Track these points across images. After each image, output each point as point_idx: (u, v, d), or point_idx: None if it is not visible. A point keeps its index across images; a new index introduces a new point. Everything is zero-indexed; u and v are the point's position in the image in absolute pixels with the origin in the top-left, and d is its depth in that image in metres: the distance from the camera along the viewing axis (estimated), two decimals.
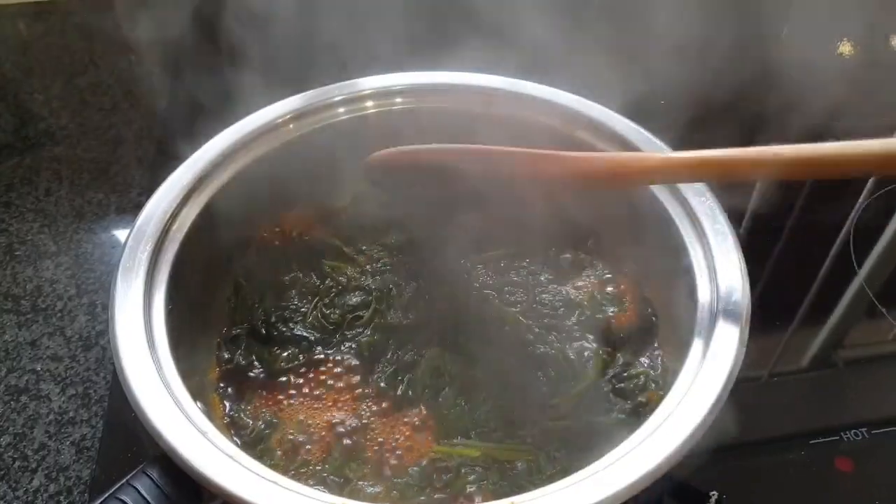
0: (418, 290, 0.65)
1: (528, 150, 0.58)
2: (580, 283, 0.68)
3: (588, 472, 0.43)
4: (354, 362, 0.61)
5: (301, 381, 0.60)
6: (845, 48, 1.14)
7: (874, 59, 1.14)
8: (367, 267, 0.68)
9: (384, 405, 0.58)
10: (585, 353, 0.61)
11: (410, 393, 0.58)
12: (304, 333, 0.62)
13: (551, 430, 0.56)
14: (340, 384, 0.60)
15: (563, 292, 0.66)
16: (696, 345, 0.50)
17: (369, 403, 0.58)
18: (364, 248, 0.69)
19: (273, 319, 0.63)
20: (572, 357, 0.60)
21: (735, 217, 0.85)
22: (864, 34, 1.15)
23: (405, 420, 0.57)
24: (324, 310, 0.64)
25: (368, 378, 0.60)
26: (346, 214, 0.72)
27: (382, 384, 0.59)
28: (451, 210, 0.65)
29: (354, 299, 0.65)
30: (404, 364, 0.60)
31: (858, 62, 1.13)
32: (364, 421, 0.57)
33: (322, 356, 0.61)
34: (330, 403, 0.58)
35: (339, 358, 0.61)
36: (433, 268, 0.67)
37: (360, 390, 0.59)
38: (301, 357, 0.61)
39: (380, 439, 0.56)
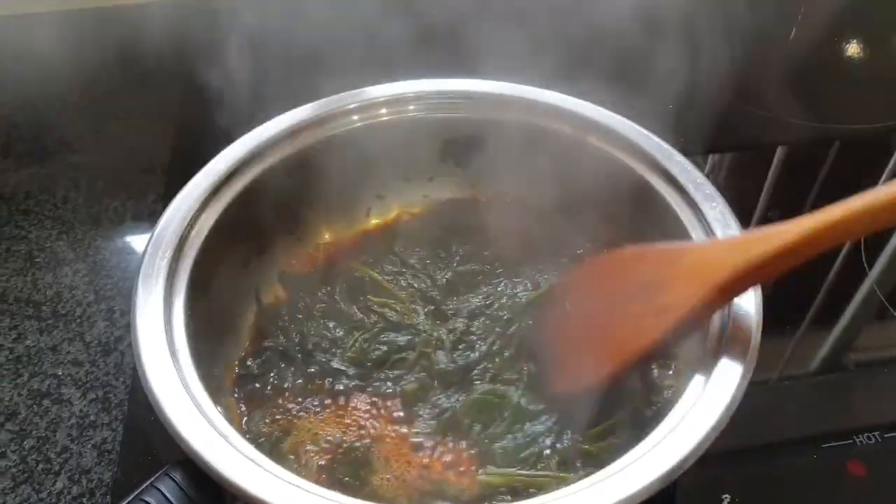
0: (464, 330, 0.64)
1: (703, 298, 0.47)
2: None
3: (598, 478, 0.44)
4: (391, 402, 0.60)
5: (329, 405, 0.60)
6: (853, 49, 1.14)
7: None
8: (411, 305, 0.67)
9: (416, 436, 0.58)
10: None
11: (450, 429, 0.57)
12: (342, 367, 0.62)
13: (589, 452, 0.55)
14: (370, 416, 0.60)
15: None
16: (708, 351, 0.51)
17: (400, 433, 0.58)
18: (405, 283, 0.69)
19: (310, 347, 0.63)
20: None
21: (745, 220, 0.86)
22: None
23: (439, 451, 0.57)
24: (363, 345, 0.63)
25: (406, 417, 0.59)
26: (378, 239, 0.73)
27: (424, 426, 0.58)
28: None
29: (401, 339, 0.64)
30: (446, 408, 0.59)
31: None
32: (392, 446, 0.57)
33: (355, 392, 0.61)
34: (352, 425, 0.59)
35: (374, 395, 0.61)
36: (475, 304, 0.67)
37: (396, 426, 0.59)
38: (333, 388, 0.61)
39: (406, 461, 0.56)
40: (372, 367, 0.62)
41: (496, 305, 0.67)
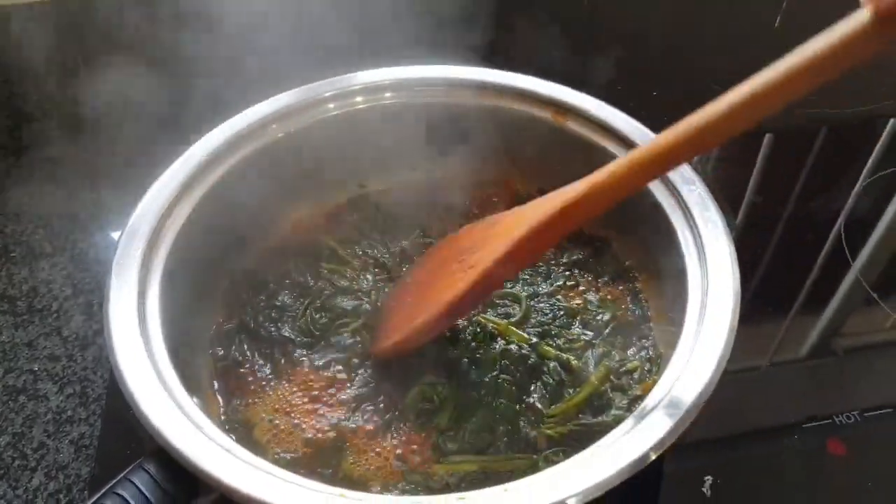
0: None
1: (502, 252, 0.51)
2: (575, 286, 0.67)
3: (580, 459, 0.44)
4: (338, 371, 0.60)
5: (286, 381, 0.60)
6: None
7: None
8: (363, 274, 0.67)
9: (372, 423, 0.57)
10: (587, 360, 0.60)
11: (399, 416, 0.57)
12: (290, 335, 0.62)
13: (551, 437, 0.55)
14: (323, 392, 0.59)
15: (560, 298, 0.66)
16: (687, 333, 0.51)
17: (370, 423, 0.57)
18: (360, 252, 0.69)
19: (261, 318, 0.63)
20: (574, 364, 0.59)
21: (734, 206, 0.86)
22: None
23: (402, 442, 0.56)
24: (313, 314, 0.63)
25: (353, 390, 0.59)
26: (347, 215, 0.73)
27: (369, 405, 0.58)
28: None
29: (346, 303, 0.64)
30: (389, 388, 0.58)
31: None
32: (363, 435, 0.56)
33: (305, 360, 0.61)
34: (311, 408, 0.58)
35: (321, 363, 0.60)
36: None
37: (346, 403, 0.58)
38: (284, 359, 0.61)
39: (376, 450, 0.56)
40: (319, 335, 0.62)
41: None
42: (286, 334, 0.62)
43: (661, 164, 0.47)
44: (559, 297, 0.66)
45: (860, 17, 0.38)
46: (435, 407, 0.57)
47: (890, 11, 0.37)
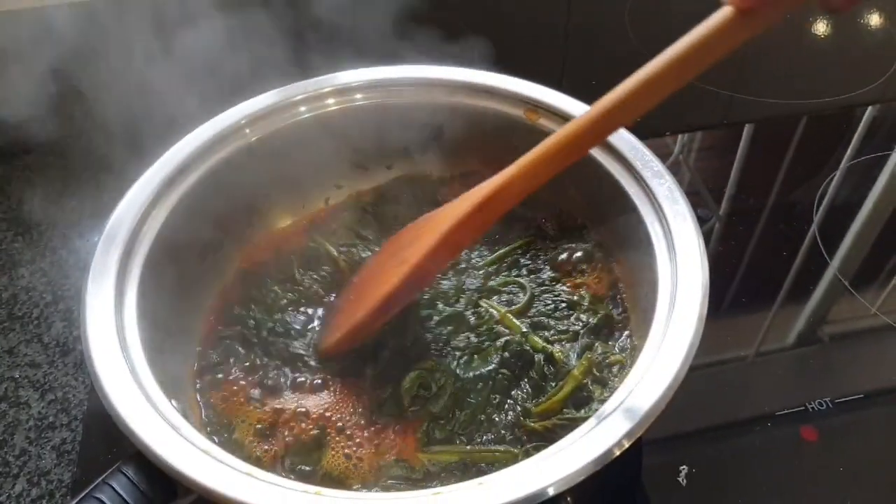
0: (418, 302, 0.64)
1: (429, 246, 0.55)
2: (569, 276, 0.68)
3: (549, 454, 0.44)
4: (327, 372, 0.61)
5: (287, 386, 0.60)
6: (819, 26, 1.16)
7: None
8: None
9: (368, 415, 0.58)
10: (570, 353, 0.60)
11: (395, 406, 0.58)
12: (301, 352, 0.62)
13: (534, 430, 0.56)
14: (308, 389, 0.60)
15: (563, 289, 0.66)
16: (657, 325, 0.51)
17: (353, 414, 0.58)
18: (358, 256, 0.69)
19: (265, 333, 0.63)
20: (557, 356, 0.60)
21: (716, 197, 0.87)
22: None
23: (387, 429, 0.57)
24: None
25: (357, 388, 0.59)
26: (334, 219, 0.73)
27: (368, 397, 0.58)
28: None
29: None
30: (393, 377, 0.59)
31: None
32: (346, 427, 0.57)
33: (314, 370, 0.61)
34: (293, 405, 0.59)
35: (329, 371, 0.61)
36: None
37: (347, 399, 0.59)
38: (290, 371, 0.61)
39: (358, 441, 0.56)
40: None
41: (450, 273, 0.68)
42: (294, 351, 0.62)
43: (566, 153, 0.51)
44: (561, 286, 0.67)
45: (724, 12, 0.43)
46: (431, 394, 0.58)
47: (747, 5, 0.42)
